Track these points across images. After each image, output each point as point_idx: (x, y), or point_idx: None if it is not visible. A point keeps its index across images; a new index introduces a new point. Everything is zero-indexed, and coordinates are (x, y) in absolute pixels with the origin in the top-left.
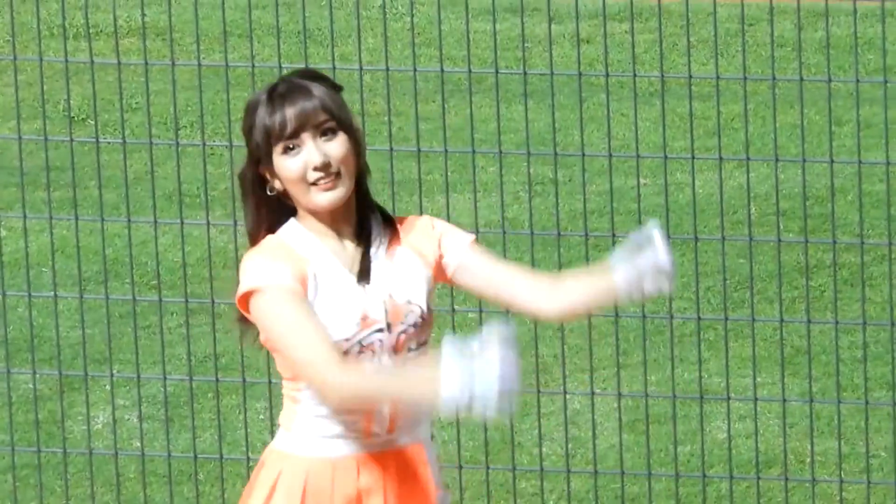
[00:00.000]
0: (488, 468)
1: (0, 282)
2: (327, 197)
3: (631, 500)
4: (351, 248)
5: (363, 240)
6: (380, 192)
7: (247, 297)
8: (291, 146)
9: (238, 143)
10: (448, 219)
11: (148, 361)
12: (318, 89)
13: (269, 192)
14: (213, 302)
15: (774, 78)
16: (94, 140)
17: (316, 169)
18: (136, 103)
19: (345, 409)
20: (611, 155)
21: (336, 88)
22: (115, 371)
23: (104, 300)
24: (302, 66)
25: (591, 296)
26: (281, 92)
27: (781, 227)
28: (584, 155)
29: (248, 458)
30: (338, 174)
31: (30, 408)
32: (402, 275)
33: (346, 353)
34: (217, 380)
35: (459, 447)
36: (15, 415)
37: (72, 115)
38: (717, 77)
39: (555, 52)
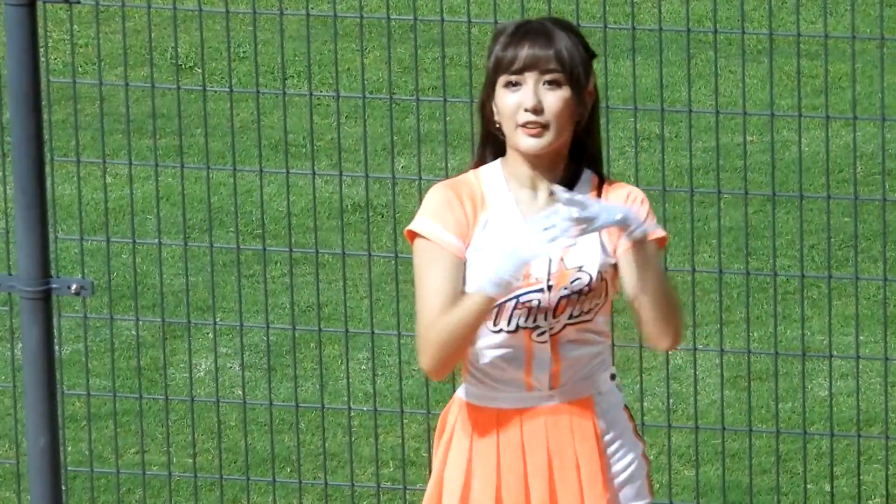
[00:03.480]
0: None
1: (105, 228)
2: (529, 142)
3: (731, 455)
4: (542, 201)
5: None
6: None
7: (410, 234)
8: (514, 82)
9: (345, 93)
10: None
11: (251, 310)
12: (563, 40)
13: (493, 126)
14: (316, 252)
15: (883, 37)
16: (200, 88)
17: (526, 111)
18: (244, 52)
19: (440, 368)
20: (717, 112)
21: (587, 48)
22: (217, 319)
23: (208, 248)
24: (411, 18)
25: (640, 294)
26: (526, 29)
27: (887, 186)
28: (690, 111)
29: (350, 408)
30: (546, 125)
31: (132, 354)
32: (582, 242)
33: (502, 306)
34: (320, 329)
35: None
36: (117, 361)
37: (179, 62)
38: (826, 36)
39: (663, 7)
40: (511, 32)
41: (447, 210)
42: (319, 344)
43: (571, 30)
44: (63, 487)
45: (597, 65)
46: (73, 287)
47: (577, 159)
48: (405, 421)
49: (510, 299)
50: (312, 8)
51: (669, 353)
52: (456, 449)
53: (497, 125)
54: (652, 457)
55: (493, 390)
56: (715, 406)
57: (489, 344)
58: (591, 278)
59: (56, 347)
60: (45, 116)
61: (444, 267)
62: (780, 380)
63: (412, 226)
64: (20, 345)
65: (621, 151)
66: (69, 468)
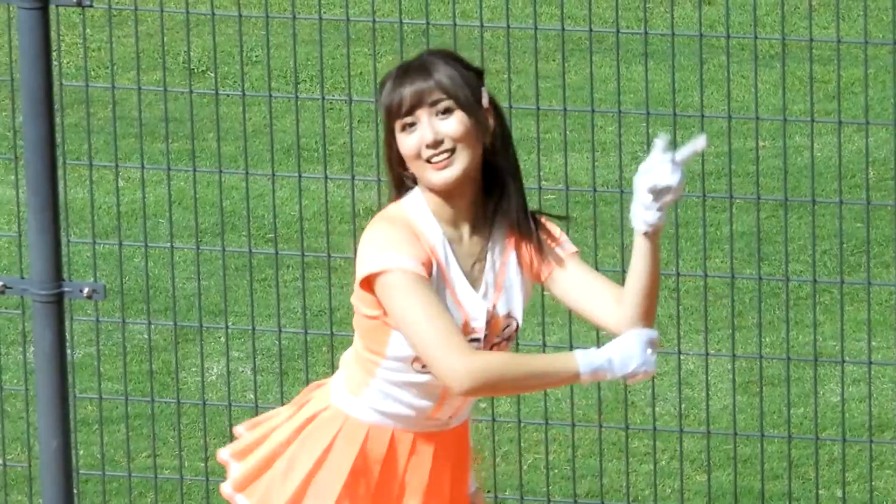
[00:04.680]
0: (601, 426)
1: (117, 232)
2: (441, 176)
3: (743, 461)
4: (466, 238)
5: (479, 233)
6: None
7: (372, 277)
8: (409, 123)
9: (357, 97)
10: (566, 177)
11: (263, 314)
12: (440, 69)
13: (404, 171)
14: (328, 256)
15: None
16: (213, 92)
17: (428, 146)
18: (256, 56)
19: (470, 395)
20: (730, 117)
21: (469, 69)
22: (229, 323)
23: (220, 252)
24: (423, 23)
25: (637, 281)
26: (405, 69)
27: None
28: (703, 116)
29: None
30: (452, 151)
31: (144, 358)
32: (508, 286)
33: None
34: (332, 333)
35: (573, 405)
36: (129, 365)
37: (192, 66)
38: (839, 41)
39: (676, 12)
40: (393, 77)
41: (410, 244)
42: (331, 348)
43: (450, 56)
44: (75, 491)
45: (609, 69)
46: (86, 291)
47: (490, 190)
48: None
49: None
50: (325, 12)
51: (682, 358)
52: (336, 458)
53: (407, 170)
54: (664, 462)
55: (392, 414)
56: (727, 411)
57: (410, 381)
58: (517, 324)
59: (68, 351)
60: (57, 120)
61: (432, 291)
62: (792, 385)
63: (378, 265)
64: (32, 348)
65: (633, 156)
66: (81, 471)
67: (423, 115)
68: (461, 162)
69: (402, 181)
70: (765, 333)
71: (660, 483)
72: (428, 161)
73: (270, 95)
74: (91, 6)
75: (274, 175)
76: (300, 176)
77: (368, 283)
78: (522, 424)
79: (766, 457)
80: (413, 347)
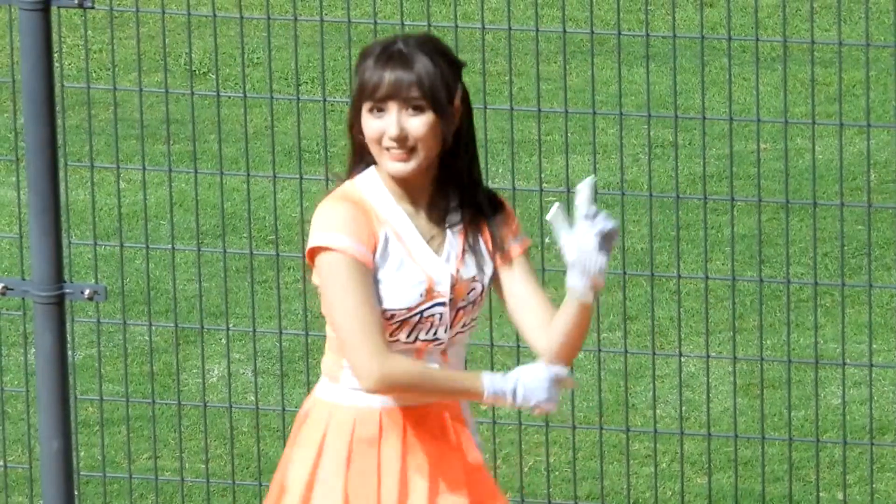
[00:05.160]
0: (601, 429)
1: (118, 234)
2: (396, 167)
3: (744, 463)
4: (424, 212)
5: (436, 212)
6: (499, 152)
7: (314, 251)
8: (378, 108)
9: None
10: (567, 180)
11: (264, 316)
12: (423, 63)
13: (357, 138)
14: None
15: None
16: (214, 94)
17: (391, 138)
18: (258, 58)
19: (376, 393)
20: (731, 119)
21: (451, 64)
22: (230, 325)
23: (221, 254)
24: (425, 25)
25: (563, 333)
26: (389, 54)
27: None
28: (704, 118)
29: None
30: (413, 149)
31: (145, 360)
32: (472, 252)
33: (405, 321)
34: None
35: (573, 408)
36: (130, 366)
37: (193, 68)
38: (840, 43)
39: (678, 14)
40: (375, 57)
41: (355, 224)
42: None
43: (436, 49)
44: (75, 492)
45: (610, 71)
46: (87, 292)
47: (445, 178)
48: None
49: (414, 315)
50: (326, 14)
51: (682, 360)
52: (331, 452)
53: (361, 136)
54: (664, 464)
55: (373, 395)
56: (728, 414)
57: None
58: (482, 287)
59: (69, 352)
60: (59, 121)
61: (366, 281)
62: (793, 388)
63: (320, 241)
64: (33, 350)
65: (635, 158)
66: (82, 473)
67: (394, 106)
68: (418, 159)
69: (363, 147)
70: (766, 336)
71: (660, 485)
72: (387, 149)
73: (272, 97)
74: (92, 7)
75: (275, 177)
76: (301, 178)
77: (311, 258)
78: (523, 427)
79: (767, 459)
80: (335, 331)
